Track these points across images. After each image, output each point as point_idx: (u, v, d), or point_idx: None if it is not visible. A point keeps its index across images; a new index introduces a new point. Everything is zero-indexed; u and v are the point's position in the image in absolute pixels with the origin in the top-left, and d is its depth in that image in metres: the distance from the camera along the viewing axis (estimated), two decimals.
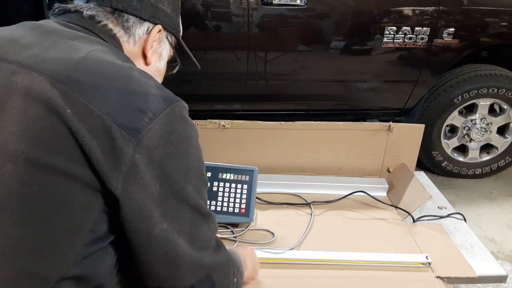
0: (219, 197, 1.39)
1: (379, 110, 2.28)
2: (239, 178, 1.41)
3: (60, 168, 0.58)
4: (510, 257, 1.75)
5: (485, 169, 2.36)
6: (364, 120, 2.35)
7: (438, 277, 1.20)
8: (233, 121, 1.64)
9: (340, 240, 1.35)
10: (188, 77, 2.04)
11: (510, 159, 2.35)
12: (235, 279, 0.85)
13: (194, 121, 1.57)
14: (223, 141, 1.65)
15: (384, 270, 1.22)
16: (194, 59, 0.95)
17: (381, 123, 1.71)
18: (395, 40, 1.99)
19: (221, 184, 1.41)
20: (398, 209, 1.51)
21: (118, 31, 0.77)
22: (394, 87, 2.18)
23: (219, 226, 1.38)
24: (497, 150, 2.34)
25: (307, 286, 1.16)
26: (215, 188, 1.40)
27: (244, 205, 1.38)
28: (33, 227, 0.59)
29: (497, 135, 2.30)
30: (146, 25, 0.80)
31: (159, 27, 0.82)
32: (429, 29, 1.98)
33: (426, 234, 1.40)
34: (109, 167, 0.60)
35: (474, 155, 2.34)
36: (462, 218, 1.52)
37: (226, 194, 1.39)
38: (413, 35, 1.99)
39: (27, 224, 0.58)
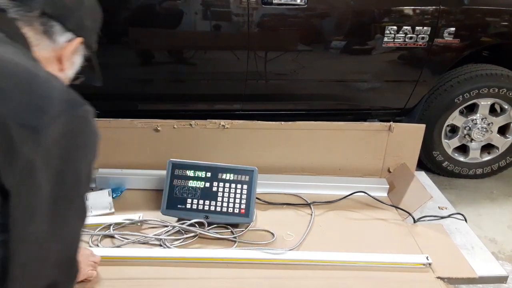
0: (219, 197, 1.39)
1: (380, 110, 2.28)
2: (239, 178, 1.41)
3: None
4: (510, 257, 1.75)
5: (486, 169, 2.36)
6: (365, 120, 2.34)
7: (438, 277, 1.19)
8: (233, 121, 1.63)
9: (341, 241, 1.35)
10: (187, 77, 2.04)
11: (511, 159, 2.34)
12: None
13: (196, 121, 1.54)
14: (223, 141, 1.65)
15: (384, 270, 1.22)
16: (100, 75, 0.99)
17: (382, 123, 1.71)
18: (395, 40, 1.99)
19: (221, 184, 1.40)
20: (399, 210, 1.51)
21: (34, 35, 0.78)
22: (395, 87, 2.18)
23: (219, 227, 1.37)
24: (498, 150, 2.33)
25: (307, 287, 1.16)
26: (215, 188, 1.40)
27: (244, 205, 1.38)
28: None
29: (498, 135, 2.29)
30: (69, 35, 0.83)
31: (81, 39, 0.85)
32: (429, 28, 1.98)
33: (426, 234, 1.40)
34: (3, 164, 0.60)
35: (475, 155, 2.33)
36: (463, 219, 1.52)
37: (226, 195, 1.39)
38: (414, 35, 1.98)
39: None
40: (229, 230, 1.36)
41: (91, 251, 1.16)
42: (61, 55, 0.84)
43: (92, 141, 0.71)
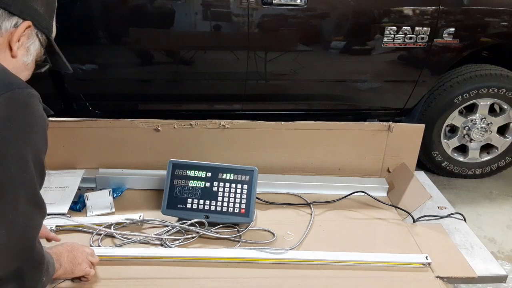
0: (219, 197, 1.39)
1: (379, 110, 2.28)
2: (239, 178, 1.41)
3: None
4: (510, 257, 1.75)
5: (485, 169, 2.36)
6: (364, 120, 2.35)
7: (438, 277, 1.20)
8: (233, 121, 1.64)
9: (340, 240, 1.35)
10: (188, 77, 2.04)
11: (510, 159, 2.35)
12: (43, 278, 0.87)
13: (196, 121, 1.54)
14: (223, 141, 1.65)
15: (384, 270, 1.22)
16: (65, 61, 0.97)
17: (381, 123, 1.71)
18: (395, 40, 1.99)
19: (221, 184, 1.41)
20: (398, 209, 1.51)
21: None
22: (394, 87, 2.18)
23: (221, 227, 1.38)
24: (497, 150, 2.33)
25: (307, 287, 1.16)
26: (215, 188, 1.40)
27: (244, 205, 1.38)
28: None
29: (497, 135, 2.30)
30: (15, 19, 0.81)
31: (28, 23, 0.83)
32: (429, 29, 1.98)
33: (426, 234, 1.40)
34: None
35: (474, 155, 2.34)
36: (462, 218, 1.52)
37: (226, 194, 1.39)
38: (413, 35, 1.99)
39: None
40: (230, 230, 1.37)
41: (92, 251, 1.16)
42: (10, 40, 0.82)
43: (35, 124, 0.70)
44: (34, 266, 0.81)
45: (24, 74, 0.89)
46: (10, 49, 0.83)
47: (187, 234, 1.33)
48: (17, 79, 0.70)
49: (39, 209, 0.75)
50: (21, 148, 0.68)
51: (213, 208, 1.38)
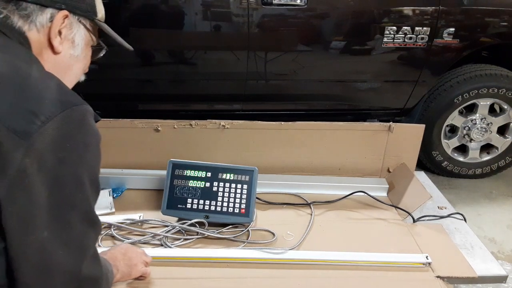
0: (219, 197, 1.39)
1: (379, 110, 2.28)
2: (239, 178, 1.41)
3: None
4: (510, 257, 1.75)
5: (485, 169, 2.36)
6: (364, 120, 2.35)
7: (438, 277, 1.20)
8: (233, 121, 1.64)
9: (340, 240, 1.35)
10: (188, 77, 2.04)
11: (510, 159, 2.35)
12: None
13: (196, 121, 1.54)
14: (223, 141, 1.65)
15: (384, 270, 1.22)
16: (121, 40, 0.90)
17: (381, 123, 1.71)
18: (395, 40, 1.99)
19: (221, 184, 1.41)
20: (398, 209, 1.51)
21: (17, 22, 0.71)
22: (394, 87, 2.18)
23: (219, 226, 1.38)
24: (497, 150, 2.33)
25: (307, 286, 1.16)
26: (215, 188, 1.40)
27: (244, 205, 1.38)
28: None
29: (497, 135, 2.30)
30: (49, 11, 0.73)
31: (64, 12, 0.75)
32: (429, 29, 1.98)
33: (426, 234, 1.40)
34: None
35: (474, 155, 2.33)
36: (462, 218, 1.52)
37: (226, 194, 1.39)
38: (413, 35, 1.99)
39: None
40: (230, 230, 1.37)
41: (143, 251, 1.15)
42: (49, 36, 0.75)
43: (90, 142, 0.68)
44: (93, 282, 0.78)
45: (77, 67, 0.83)
46: (52, 45, 0.76)
47: (187, 234, 1.33)
48: (72, 95, 0.67)
49: (94, 227, 0.73)
50: (76, 168, 0.66)
51: (213, 208, 1.38)
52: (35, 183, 0.61)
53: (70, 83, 0.82)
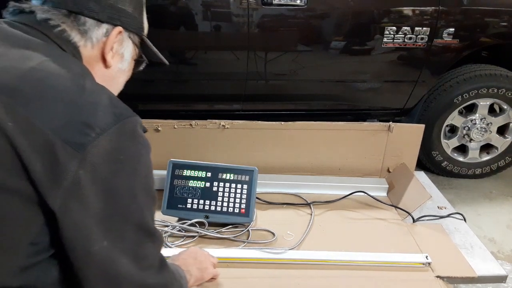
0: (219, 197, 1.39)
1: (379, 110, 2.28)
2: (239, 178, 1.41)
3: (1, 182, 0.58)
4: (510, 257, 1.75)
5: (485, 169, 2.36)
6: (364, 120, 2.35)
7: (438, 276, 1.20)
8: (233, 121, 1.64)
9: (340, 240, 1.35)
10: (188, 77, 2.05)
11: (510, 159, 2.35)
12: None
13: (196, 121, 1.56)
14: (223, 141, 1.65)
15: (384, 270, 1.22)
16: (160, 55, 0.93)
17: (381, 123, 1.71)
18: (395, 40, 1.99)
19: (221, 184, 1.41)
20: (398, 209, 1.51)
21: (74, 36, 0.74)
22: (394, 87, 2.18)
23: (218, 226, 1.38)
24: (497, 150, 2.34)
25: (307, 286, 1.16)
26: (215, 188, 1.40)
27: (244, 205, 1.38)
28: None
29: (497, 135, 2.30)
30: (105, 27, 0.77)
31: (119, 28, 0.78)
32: (429, 29, 1.98)
33: (426, 234, 1.40)
34: (49, 182, 0.58)
35: (474, 155, 2.34)
36: (462, 218, 1.52)
37: (226, 194, 1.39)
38: (413, 35, 1.99)
39: None
40: (230, 230, 1.37)
41: (208, 253, 1.15)
42: (103, 51, 0.78)
43: (142, 153, 0.68)
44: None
45: (122, 79, 0.87)
46: (104, 59, 0.79)
47: (188, 234, 1.33)
48: (123, 107, 0.68)
49: (151, 237, 0.73)
50: (130, 179, 0.66)
51: (213, 208, 1.38)
52: (89, 194, 0.61)
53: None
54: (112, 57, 0.79)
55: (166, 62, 0.94)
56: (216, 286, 1.15)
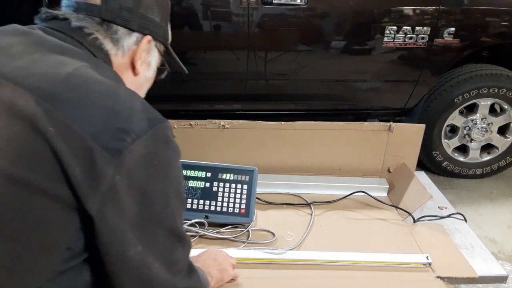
0: (219, 197, 1.39)
1: (380, 110, 2.28)
2: (239, 178, 1.41)
3: (40, 186, 0.58)
4: (510, 257, 1.75)
5: (485, 169, 2.36)
6: (365, 120, 2.34)
7: (438, 277, 1.19)
8: (233, 121, 1.63)
9: (341, 241, 1.35)
10: (188, 77, 2.04)
11: (511, 159, 2.35)
12: None
13: (196, 121, 1.57)
14: (223, 141, 1.65)
15: (384, 270, 1.22)
16: (181, 64, 0.96)
17: (382, 123, 1.71)
18: (395, 40, 1.99)
19: (221, 184, 1.40)
20: (399, 209, 1.51)
21: (107, 44, 0.76)
22: (395, 87, 2.18)
23: (218, 226, 1.37)
24: (498, 150, 2.33)
25: (307, 287, 1.16)
26: (215, 188, 1.40)
27: (244, 205, 1.38)
28: (9, 245, 0.58)
29: (497, 135, 2.30)
30: (135, 36, 0.79)
31: (148, 37, 0.81)
32: (429, 28, 1.98)
33: (426, 234, 1.40)
34: (87, 186, 0.59)
35: (474, 155, 2.33)
36: (463, 218, 1.52)
37: (226, 194, 1.39)
38: (414, 35, 1.99)
39: (4, 241, 0.58)
40: (230, 230, 1.37)
41: (227, 253, 1.15)
42: (133, 59, 0.80)
43: (173, 158, 0.70)
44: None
45: (146, 87, 0.89)
46: (133, 67, 0.81)
47: (187, 234, 1.33)
48: (155, 112, 0.69)
49: (181, 242, 0.74)
50: (163, 184, 0.67)
51: (213, 208, 1.38)
52: (125, 199, 0.62)
53: None
54: (140, 65, 0.82)
55: (186, 71, 0.97)
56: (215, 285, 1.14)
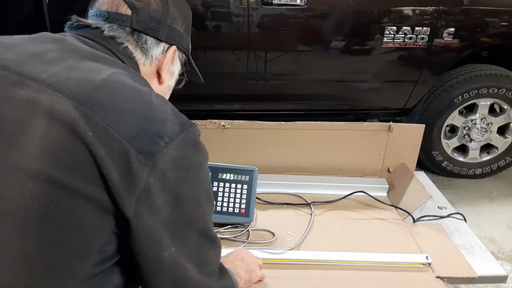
0: (219, 197, 1.39)
1: (379, 110, 2.28)
2: (239, 178, 1.41)
3: (78, 189, 0.59)
4: (510, 257, 1.75)
5: (485, 169, 2.36)
6: (364, 120, 2.35)
7: (438, 277, 1.19)
8: (233, 121, 1.64)
9: (340, 240, 1.35)
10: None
11: (510, 159, 2.35)
12: None
13: (195, 121, 1.59)
14: (223, 141, 1.65)
15: (384, 270, 1.22)
16: (199, 73, 0.99)
17: (381, 123, 1.71)
18: (395, 40, 1.99)
19: (221, 184, 1.40)
20: (398, 209, 1.51)
21: (137, 54, 0.79)
22: (394, 87, 2.18)
23: (218, 226, 1.38)
24: (497, 150, 2.33)
25: (307, 287, 1.16)
26: (215, 188, 1.40)
27: (244, 205, 1.38)
28: (47, 247, 0.59)
29: (497, 135, 2.30)
30: (162, 45, 0.83)
31: (174, 47, 0.84)
32: (429, 29, 1.98)
33: (426, 234, 1.40)
34: (124, 189, 0.61)
35: (474, 155, 2.34)
36: (462, 218, 1.52)
37: (226, 194, 1.39)
38: (413, 35, 1.99)
39: (42, 244, 0.59)
40: (230, 230, 1.37)
41: (253, 254, 1.15)
42: (159, 68, 0.84)
43: (202, 160, 0.71)
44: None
45: (168, 95, 0.91)
46: (158, 75, 0.85)
47: None
48: (184, 117, 0.71)
49: (212, 243, 0.75)
50: (194, 186, 0.69)
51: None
52: (158, 201, 0.64)
53: None
54: (165, 74, 0.85)
55: (202, 80, 1.01)
56: None
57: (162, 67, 0.84)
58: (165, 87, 0.88)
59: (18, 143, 0.58)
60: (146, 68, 0.82)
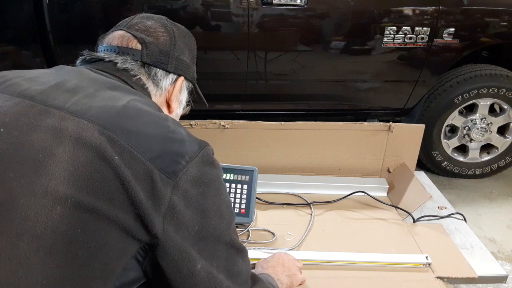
0: None
1: (379, 110, 2.28)
2: (239, 178, 1.41)
3: (104, 212, 0.60)
4: (510, 257, 1.75)
5: (485, 169, 2.36)
6: (364, 120, 2.35)
7: (438, 277, 1.19)
8: (233, 121, 1.64)
9: (340, 241, 1.35)
10: None
11: (510, 159, 2.35)
12: None
13: (194, 121, 1.58)
14: (223, 141, 1.65)
15: (384, 270, 1.22)
16: (204, 99, 1.04)
17: (381, 123, 1.71)
18: (395, 40, 1.99)
19: None
20: (398, 209, 1.51)
21: (149, 85, 0.84)
22: (394, 87, 2.18)
23: None
24: (497, 150, 2.33)
25: (307, 286, 1.16)
26: None
27: (244, 205, 1.38)
28: (73, 269, 0.60)
29: (497, 135, 2.30)
30: (171, 77, 0.87)
31: (182, 78, 0.89)
32: (429, 29, 1.98)
33: (426, 234, 1.40)
34: (152, 208, 0.63)
35: (474, 155, 2.34)
36: (462, 218, 1.52)
37: None
38: (413, 35, 1.99)
39: (68, 266, 0.59)
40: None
41: (293, 256, 1.15)
42: (169, 99, 0.88)
43: (219, 175, 0.74)
44: None
45: None
46: (168, 105, 0.89)
47: None
48: (197, 137, 0.74)
49: (239, 253, 0.77)
50: (216, 199, 0.72)
51: None
52: (184, 217, 0.66)
53: None
54: (174, 103, 0.89)
55: (207, 105, 1.06)
56: None
57: (171, 98, 0.88)
58: (174, 116, 0.91)
59: (46, 168, 0.60)
60: (157, 99, 0.86)
